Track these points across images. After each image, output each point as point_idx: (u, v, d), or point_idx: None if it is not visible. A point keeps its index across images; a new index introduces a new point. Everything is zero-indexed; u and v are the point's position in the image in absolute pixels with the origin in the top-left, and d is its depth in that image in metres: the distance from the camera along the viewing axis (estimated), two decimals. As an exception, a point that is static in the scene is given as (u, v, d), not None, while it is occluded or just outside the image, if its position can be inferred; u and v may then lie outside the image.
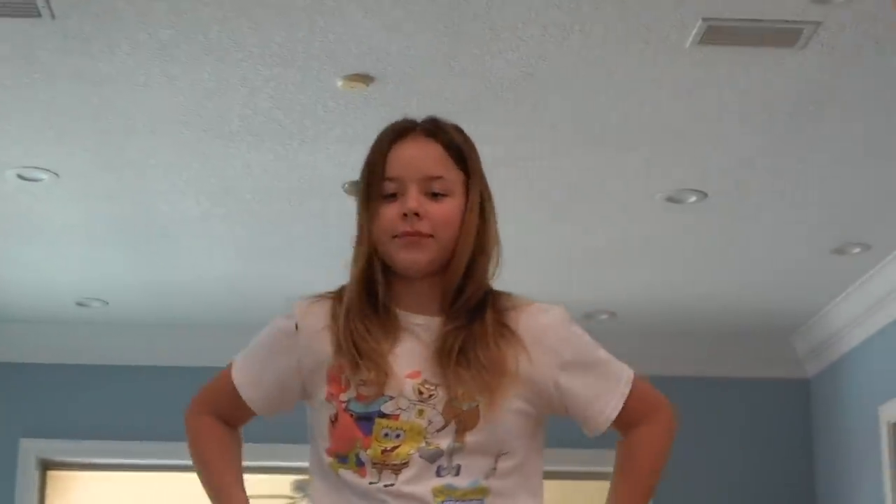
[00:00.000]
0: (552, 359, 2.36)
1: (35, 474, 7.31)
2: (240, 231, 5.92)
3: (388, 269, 2.39)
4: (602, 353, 2.42)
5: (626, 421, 2.42)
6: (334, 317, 2.39)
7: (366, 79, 4.49)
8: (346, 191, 5.40)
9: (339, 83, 4.52)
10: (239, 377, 2.47)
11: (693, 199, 5.50)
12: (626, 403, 2.40)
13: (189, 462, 7.78)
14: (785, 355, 7.53)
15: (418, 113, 4.76)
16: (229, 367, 2.50)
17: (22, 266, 6.38)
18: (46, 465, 7.44)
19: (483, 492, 2.31)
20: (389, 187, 2.38)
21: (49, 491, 7.46)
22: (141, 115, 4.78)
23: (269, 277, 6.53)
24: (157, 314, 7.13)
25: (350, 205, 5.58)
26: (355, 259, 2.41)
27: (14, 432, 7.28)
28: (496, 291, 2.40)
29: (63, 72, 4.46)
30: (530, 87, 4.57)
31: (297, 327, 2.43)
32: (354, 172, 5.17)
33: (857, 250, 6.14)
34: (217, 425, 2.52)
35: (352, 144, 5.00)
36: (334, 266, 6.87)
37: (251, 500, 2.52)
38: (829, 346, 7.18)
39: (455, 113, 4.58)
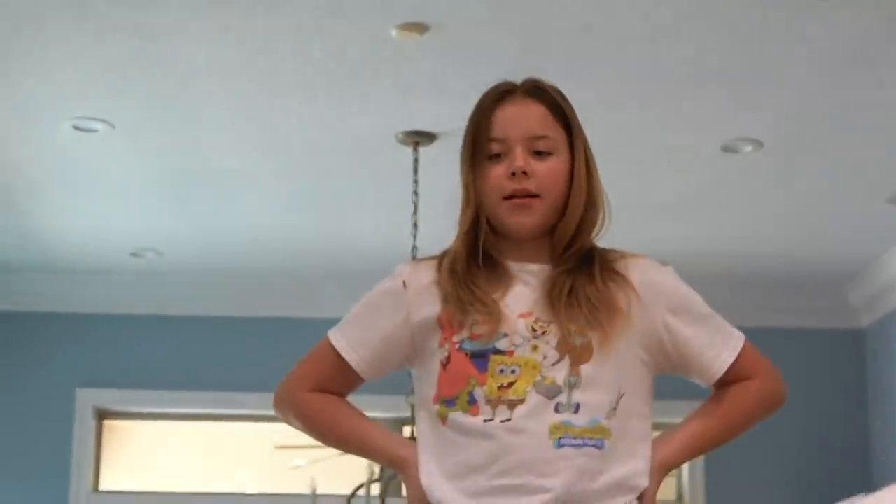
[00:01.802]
0: (662, 302, 2.42)
1: (92, 424, 7.37)
2: (292, 182, 5.93)
3: (494, 228, 2.43)
4: (713, 312, 2.49)
5: (732, 379, 2.47)
6: (440, 272, 2.42)
7: (420, 28, 4.47)
8: (399, 141, 5.40)
9: (393, 33, 4.50)
10: (341, 343, 2.47)
11: (749, 148, 5.47)
12: (735, 360, 2.46)
13: (243, 411, 7.81)
14: (839, 305, 7.49)
15: (471, 61, 4.78)
16: (324, 340, 2.49)
17: (77, 217, 6.42)
18: (103, 415, 7.50)
19: (603, 432, 2.33)
20: (494, 148, 2.43)
21: (105, 440, 7.53)
22: (194, 67, 4.79)
23: (320, 228, 6.55)
24: (211, 265, 7.17)
25: (402, 156, 5.63)
26: (462, 218, 2.45)
27: (70, 382, 7.34)
28: (603, 247, 2.46)
29: (117, 24, 4.47)
30: (584, 38, 4.55)
31: (404, 284, 2.44)
32: (408, 123, 5.28)
33: (913, 200, 6.10)
34: (324, 395, 2.50)
35: (405, 95, 5.00)
36: (385, 217, 6.91)
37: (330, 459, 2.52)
38: (884, 296, 7.14)
39: (508, 64, 4.59)
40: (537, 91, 2.49)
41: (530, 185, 2.40)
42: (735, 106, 5.10)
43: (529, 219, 2.41)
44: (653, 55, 4.69)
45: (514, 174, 2.40)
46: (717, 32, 4.52)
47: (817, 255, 6.91)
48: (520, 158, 2.41)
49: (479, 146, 2.44)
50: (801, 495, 7.31)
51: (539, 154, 2.42)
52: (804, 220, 6.40)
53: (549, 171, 2.42)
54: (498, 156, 2.43)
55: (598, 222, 2.46)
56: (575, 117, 2.48)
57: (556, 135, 2.45)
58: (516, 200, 2.40)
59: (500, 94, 2.48)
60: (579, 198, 2.43)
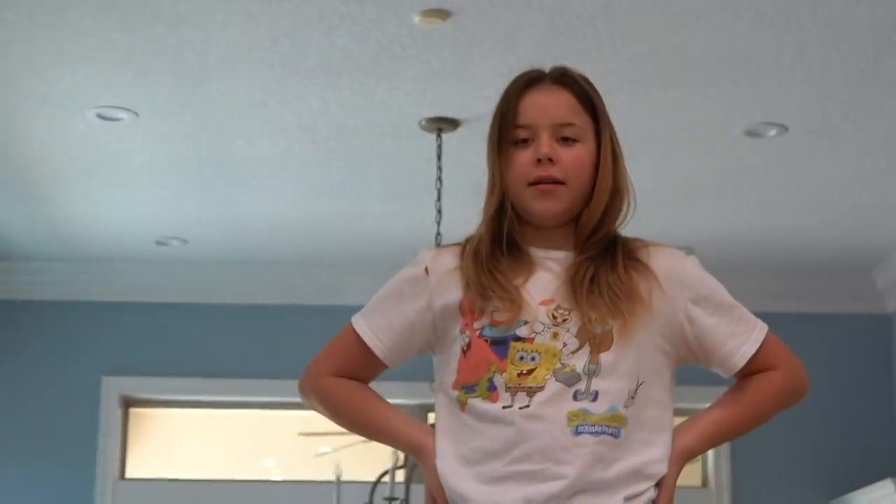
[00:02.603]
0: (684, 292, 2.42)
1: (118, 412, 7.40)
2: (317, 169, 5.93)
3: (519, 214, 2.44)
4: (736, 302, 2.48)
5: (754, 369, 2.46)
6: (463, 258, 2.43)
7: (443, 14, 4.47)
8: (422, 127, 5.40)
9: (416, 19, 4.50)
10: (363, 328, 2.48)
11: (773, 132, 5.45)
12: (758, 350, 2.45)
13: (268, 398, 7.84)
14: (865, 290, 7.46)
15: (495, 47, 4.77)
16: (348, 326, 2.50)
17: (102, 205, 6.44)
18: (129, 403, 7.53)
19: (620, 420, 2.33)
20: (521, 134, 2.44)
21: (131, 427, 7.56)
22: (218, 53, 4.79)
23: (345, 215, 6.55)
24: (236, 252, 7.18)
25: (426, 142, 5.62)
26: (487, 204, 2.46)
27: (96, 370, 7.37)
28: (626, 236, 2.46)
29: (141, 11, 4.48)
30: (608, 21, 4.53)
31: (426, 271, 2.45)
32: (431, 109, 5.28)
33: (940, 183, 6.07)
34: (347, 380, 2.50)
35: (429, 81, 4.99)
36: (409, 204, 6.90)
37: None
38: (911, 280, 7.13)
39: (531, 49, 4.58)
40: (565, 79, 2.49)
41: (556, 172, 2.40)
42: (760, 90, 5.08)
43: (554, 205, 2.41)
44: (677, 39, 4.67)
45: (539, 160, 2.40)
46: (741, 15, 4.50)
47: (843, 239, 6.89)
48: (546, 145, 2.41)
49: (505, 132, 2.45)
50: (826, 480, 7.29)
51: (565, 141, 2.42)
52: (829, 204, 6.38)
53: (574, 158, 2.42)
54: (524, 142, 2.43)
55: (623, 211, 2.46)
56: (602, 106, 2.49)
57: (583, 122, 2.45)
58: (541, 186, 2.40)
59: (528, 81, 2.49)
60: (604, 186, 2.42)
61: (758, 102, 5.19)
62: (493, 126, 2.47)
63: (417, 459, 2.46)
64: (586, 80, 2.51)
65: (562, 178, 2.40)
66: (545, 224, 2.43)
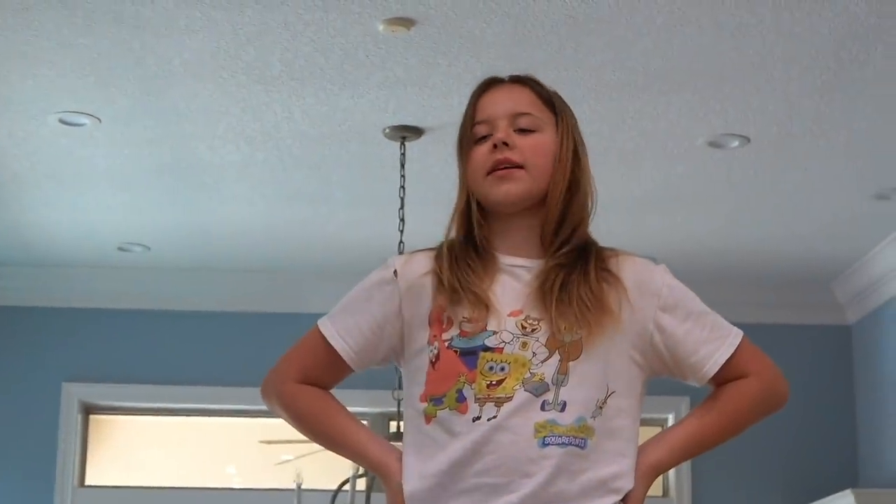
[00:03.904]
0: (653, 301, 2.40)
1: (77, 418, 7.36)
2: (280, 176, 5.92)
3: (487, 215, 2.43)
4: (709, 309, 2.46)
5: (729, 377, 2.44)
6: (437, 260, 2.41)
7: (407, 22, 4.47)
8: (386, 136, 5.39)
9: (381, 27, 4.50)
10: (330, 331, 2.45)
11: (735, 143, 5.47)
12: (732, 357, 2.42)
13: (229, 406, 7.82)
14: (825, 301, 7.49)
15: (459, 55, 4.77)
16: (314, 329, 2.47)
17: (63, 211, 6.40)
18: (89, 409, 7.49)
19: (587, 430, 2.31)
20: (481, 131, 2.44)
21: (91, 434, 7.52)
22: (182, 59, 4.78)
23: (309, 222, 6.54)
24: (198, 259, 7.16)
25: (389, 150, 5.61)
26: (456, 205, 2.45)
27: (56, 376, 7.32)
28: (600, 246, 2.44)
29: (104, 16, 4.46)
30: (572, 31, 4.54)
31: (396, 274, 2.43)
32: (395, 117, 5.28)
33: (900, 196, 6.10)
34: (311, 387, 2.48)
35: (393, 89, 4.99)
36: (372, 212, 6.89)
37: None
38: (871, 291, 7.15)
39: (496, 56, 4.58)
40: (523, 78, 2.50)
41: (513, 156, 2.40)
42: (722, 101, 5.10)
43: (513, 187, 2.39)
44: (640, 49, 4.69)
45: (496, 146, 2.40)
46: (704, 26, 4.51)
47: (803, 251, 6.91)
48: (501, 131, 2.41)
49: (467, 133, 2.46)
50: (788, 491, 7.32)
51: (523, 131, 2.42)
52: (790, 215, 6.40)
53: (533, 145, 2.41)
54: (484, 138, 2.43)
55: (586, 207, 2.44)
56: (561, 103, 2.49)
57: (542, 114, 2.45)
58: (499, 172, 2.40)
59: (488, 83, 2.50)
60: (562, 175, 2.41)
61: (720, 113, 5.21)
62: (459, 132, 2.48)
63: (379, 478, 2.42)
64: (547, 86, 2.52)
65: (520, 162, 2.39)
66: (507, 209, 2.41)
